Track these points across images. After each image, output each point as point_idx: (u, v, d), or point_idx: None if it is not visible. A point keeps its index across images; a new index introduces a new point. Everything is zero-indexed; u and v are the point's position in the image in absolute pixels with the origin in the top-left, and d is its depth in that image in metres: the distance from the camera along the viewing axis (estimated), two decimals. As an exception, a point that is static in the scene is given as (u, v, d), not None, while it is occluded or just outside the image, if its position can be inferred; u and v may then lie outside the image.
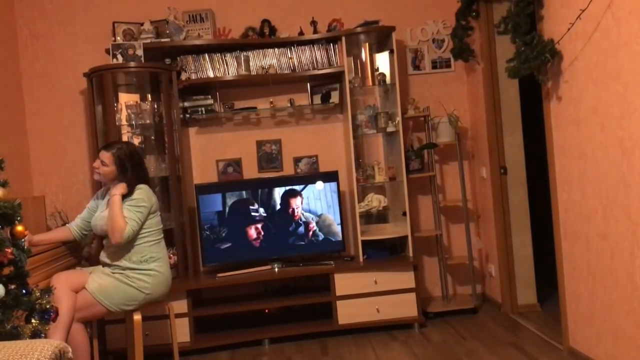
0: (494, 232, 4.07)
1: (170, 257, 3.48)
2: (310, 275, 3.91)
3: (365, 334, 3.80)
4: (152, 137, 3.99)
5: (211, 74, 4.06)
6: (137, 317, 2.88)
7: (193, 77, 4.03)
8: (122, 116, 3.82)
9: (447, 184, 4.45)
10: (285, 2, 4.33)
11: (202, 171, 4.29)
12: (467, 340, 3.57)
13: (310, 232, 4.05)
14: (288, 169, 4.34)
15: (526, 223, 4.01)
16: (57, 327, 2.53)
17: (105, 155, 2.96)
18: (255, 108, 4.25)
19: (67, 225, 3.19)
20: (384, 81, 4.05)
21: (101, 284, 2.83)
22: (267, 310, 4.03)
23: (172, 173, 3.88)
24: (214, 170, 4.30)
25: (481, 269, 4.43)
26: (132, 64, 3.77)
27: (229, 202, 4.02)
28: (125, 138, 3.82)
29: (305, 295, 3.91)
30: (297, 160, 4.34)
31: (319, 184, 4.07)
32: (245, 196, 4.05)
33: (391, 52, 3.99)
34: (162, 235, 3.06)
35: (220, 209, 4.01)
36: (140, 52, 3.81)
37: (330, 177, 4.08)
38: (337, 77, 4.17)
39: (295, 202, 4.05)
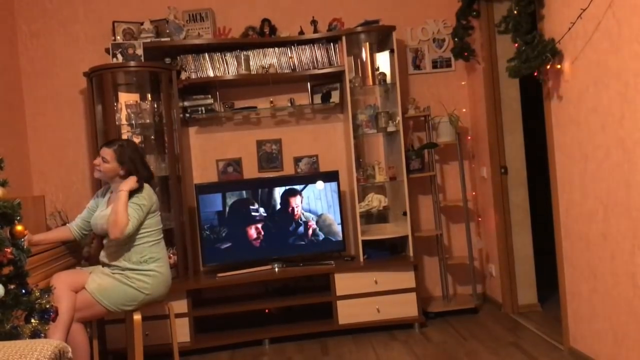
0: (495, 232, 4.07)
1: (170, 257, 3.48)
2: (310, 275, 3.90)
3: (365, 333, 3.80)
4: (152, 137, 3.98)
5: (211, 74, 4.05)
6: (137, 317, 2.88)
7: (193, 77, 4.02)
8: (122, 116, 3.81)
9: (448, 184, 4.45)
10: (286, 2, 4.33)
11: (202, 171, 4.29)
12: (467, 340, 3.56)
13: (311, 232, 4.04)
14: (288, 169, 4.34)
15: (527, 223, 4.01)
16: (56, 327, 2.53)
17: (107, 152, 2.94)
18: (256, 107, 4.25)
19: (67, 225, 3.18)
20: (385, 81, 4.05)
21: (101, 284, 2.82)
22: (267, 310, 4.03)
23: (172, 173, 3.87)
24: (214, 170, 4.30)
25: (481, 268, 4.43)
26: (132, 63, 3.77)
27: (229, 201, 4.02)
28: (125, 137, 3.81)
29: (306, 295, 3.90)
30: (297, 160, 4.34)
31: (319, 184, 4.06)
32: (245, 196, 4.04)
33: (391, 51, 3.99)
34: (162, 235, 3.05)
35: (220, 208, 4.01)
36: (140, 51, 3.81)
37: (330, 176, 4.08)
38: (338, 76, 4.16)
39: (296, 202, 4.04)
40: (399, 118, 3.97)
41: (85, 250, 3.52)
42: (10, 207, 2.00)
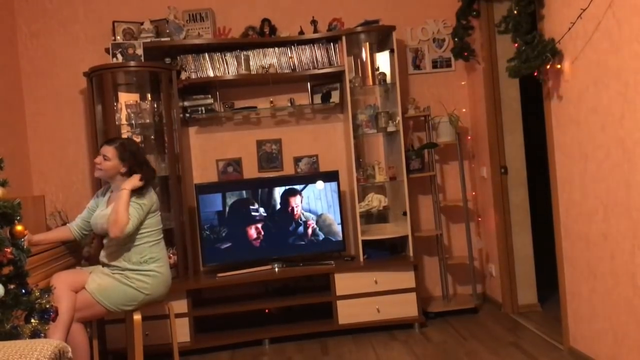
0: (495, 231, 4.07)
1: (170, 257, 3.48)
2: (310, 275, 3.90)
3: (365, 333, 3.80)
4: (152, 137, 3.98)
5: (211, 74, 4.05)
6: (137, 317, 2.88)
7: (193, 77, 4.02)
8: (122, 115, 3.81)
9: (448, 184, 4.45)
10: (286, 2, 4.32)
11: (202, 171, 4.29)
12: (467, 340, 3.56)
13: (311, 232, 4.04)
14: (288, 169, 4.34)
15: (526, 223, 4.01)
16: (56, 326, 2.53)
17: (108, 149, 2.93)
18: (256, 107, 4.25)
19: (67, 225, 3.18)
20: (385, 81, 4.04)
21: (101, 284, 2.82)
22: (267, 310, 4.02)
23: (172, 173, 3.87)
24: (214, 170, 4.30)
25: (481, 268, 4.43)
26: (132, 63, 3.77)
27: (229, 201, 4.01)
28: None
29: (306, 295, 3.90)
30: (297, 160, 4.34)
31: (319, 184, 4.06)
32: (245, 196, 4.04)
33: (391, 51, 3.98)
34: (161, 235, 3.05)
35: (220, 208, 4.01)
36: (140, 51, 3.81)
37: (330, 176, 4.08)
38: (338, 76, 4.16)
39: (296, 202, 4.04)
40: (399, 118, 3.97)
41: (85, 250, 3.51)
42: (10, 207, 2.00)
